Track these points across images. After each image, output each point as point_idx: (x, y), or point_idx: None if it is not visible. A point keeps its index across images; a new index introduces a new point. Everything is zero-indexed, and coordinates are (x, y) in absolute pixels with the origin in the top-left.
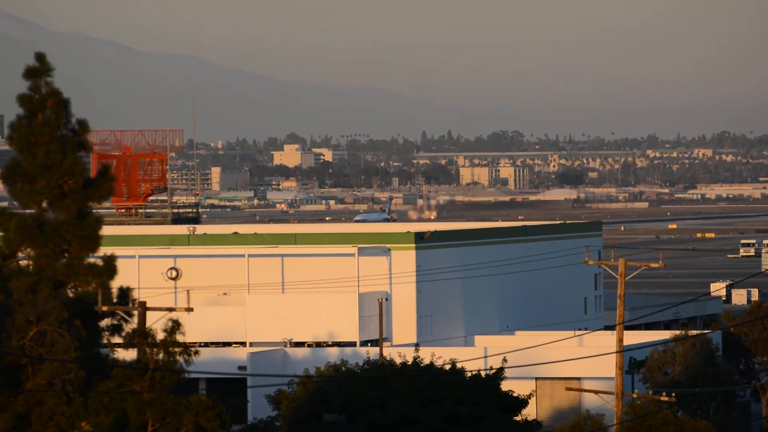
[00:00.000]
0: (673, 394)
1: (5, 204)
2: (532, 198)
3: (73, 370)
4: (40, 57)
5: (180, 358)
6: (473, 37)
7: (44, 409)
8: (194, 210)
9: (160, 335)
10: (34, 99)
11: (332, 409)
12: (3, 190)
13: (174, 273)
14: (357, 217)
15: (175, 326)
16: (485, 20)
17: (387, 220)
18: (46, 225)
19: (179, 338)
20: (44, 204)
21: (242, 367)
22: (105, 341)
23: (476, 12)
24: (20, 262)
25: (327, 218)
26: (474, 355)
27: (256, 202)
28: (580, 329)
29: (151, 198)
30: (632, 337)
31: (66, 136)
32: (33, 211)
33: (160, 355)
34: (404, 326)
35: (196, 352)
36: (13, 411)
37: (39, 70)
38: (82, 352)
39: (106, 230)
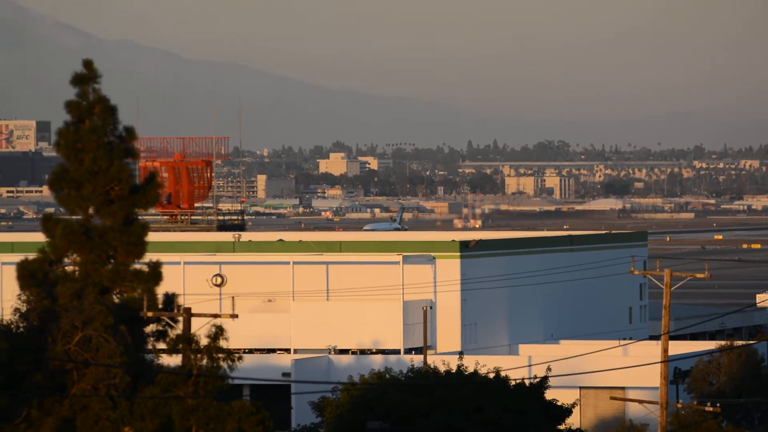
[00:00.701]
0: (718, 405)
1: (52, 210)
2: (578, 208)
3: (118, 375)
4: (88, 64)
5: (223, 364)
6: (520, 46)
7: (89, 414)
8: (240, 217)
9: (204, 341)
10: (82, 105)
11: (376, 417)
12: (50, 196)
13: (219, 280)
14: (366, 227)
15: (219, 332)
16: (532, 29)
17: (397, 230)
18: (93, 231)
19: (223, 344)
20: (91, 210)
21: (286, 374)
22: (150, 347)
23: (523, 22)
24: (66, 267)
25: None
26: (518, 364)
27: (301, 209)
28: (624, 339)
29: (196, 205)
30: (677, 347)
31: (113, 143)
32: (79, 217)
33: (204, 361)
34: (448, 334)
35: (240, 358)
36: (59, 415)
37: (87, 76)
38: (127, 357)
39: (152, 237)
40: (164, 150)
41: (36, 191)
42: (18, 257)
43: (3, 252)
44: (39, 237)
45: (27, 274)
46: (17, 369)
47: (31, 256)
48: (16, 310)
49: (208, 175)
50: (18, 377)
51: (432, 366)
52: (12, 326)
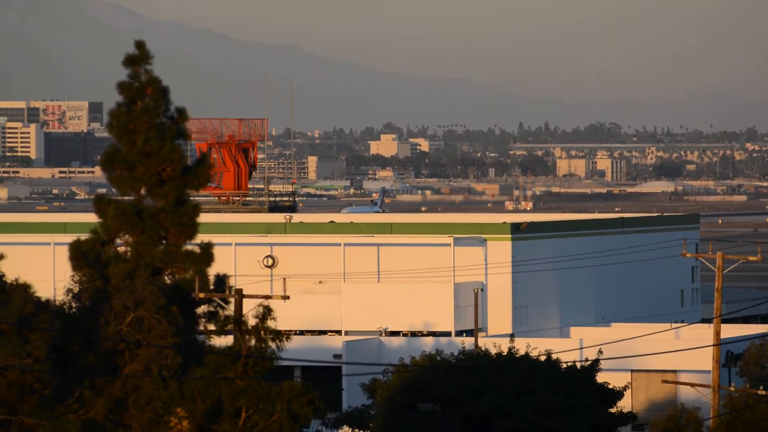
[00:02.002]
0: None
1: (104, 191)
2: (630, 190)
3: (169, 356)
4: (140, 45)
5: (272, 345)
6: (571, 27)
7: (141, 395)
8: (291, 198)
9: (253, 322)
10: (134, 87)
11: (427, 399)
12: (102, 177)
13: (270, 261)
14: (344, 210)
15: (267, 312)
16: (583, 11)
17: (377, 213)
18: (145, 212)
19: (271, 325)
20: (143, 191)
21: (337, 356)
22: (201, 328)
23: (576, 5)
24: (118, 248)
25: (423, 208)
26: (569, 347)
27: (352, 191)
28: (676, 322)
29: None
30: (729, 331)
31: (164, 124)
32: (131, 197)
33: (253, 342)
34: (499, 317)
35: (288, 339)
36: (111, 396)
37: (138, 58)
38: (179, 338)
39: (204, 218)
40: (215, 131)
41: (88, 172)
42: (70, 238)
43: (55, 232)
44: (91, 218)
45: (79, 254)
46: (70, 349)
47: (84, 236)
48: (69, 290)
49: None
50: (70, 357)
51: (483, 348)
52: (65, 307)
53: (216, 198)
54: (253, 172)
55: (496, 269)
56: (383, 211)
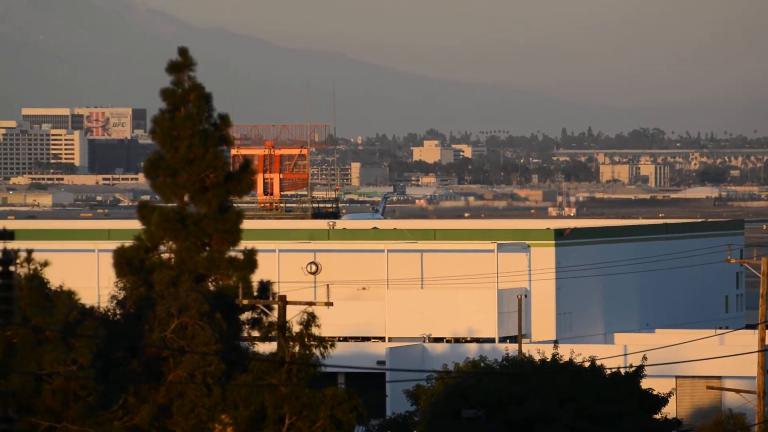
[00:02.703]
0: None
1: (148, 197)
2: (673, 196)
3: (213, 362)
4: (183, 52)
5: (316, 352)
6: (616, 32)
7: (185, 401)
8: (334, 205)
9: (297, 329)
10: (177, 93)
11: (471, 405)
12: (146, 184)
13: (314, 267)
14: (344, 217)
15: (311, 319)
16: (627, 15)
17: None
18: (188, 218)
19: (315, 331)
20: (186, 197)
21: (381, 362)
22: (245, 334)
23: (617, 5)
24: (162, 255)
25: (466, 214)
26: (613, 353)
27: (395, 197)
28: (721, 328)
29: (290, 193)
30: None
31: (208, 131)
32: (175, 204)
33: (297, 349)
34: (543, 323)
35: (332, 345)
36: (155, 402)
37: (182, 64)
38: (223, 344)
39: (247, 224)
40: (258, 138)
41: (132, 179)
42: (114, 244)
43: (99, 239)
44: (135, 224)
45: (123, 261)
46: (114, 356)
47: (128, 243)
48: (113, 297)
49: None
50: (115, 364)
51: (527, 354)
52: (109, 314)
53: (259, 205)
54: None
55: (539, 275)
56: (385, 218)
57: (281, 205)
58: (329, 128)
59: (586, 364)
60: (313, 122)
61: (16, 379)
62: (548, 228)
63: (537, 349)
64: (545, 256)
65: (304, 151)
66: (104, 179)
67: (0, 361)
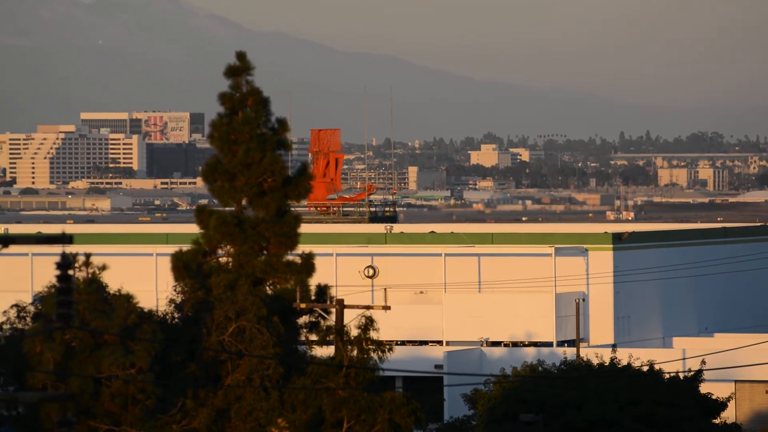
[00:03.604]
0: None
1: (205, 201)
2: (732, 200)
3: (271, 366)
4: (241, 56)
5: (374, 356)
6: (673, 36)
7: (243, 405)
8: (391, 209)
9: (355, 333)
10: (235, 97)
11: (529, 409)
12: (203, 188)
13: (371, 271)
14: None
15: (369, 323)
16: (685, 19)
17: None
18: (246, 222)
19: (373, 335)
20: (244, 201)
21: (439, 366)
22: (302, 338)
23: (678, 9)
24: (220, 258)
25: (524, 218)
26: (672, 357)
27: (452, 201)
28: None
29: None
30: None
31: (265, 135)
32: (233, 208)
33: (355, 353)
34: (601, 327)
35: (390, 349)
36: (213, 406)
37: (240, 68)
38: (280, 348)
39: (304, 228)
40: (316, 142)
41: (190, 183)
42: (172, 248)
43: (157, 243)
44: (193, 228)
45: (181, 265)
46: (172, 360)
47: (185, 247)
48: (171, 301)
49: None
50: (173, 368)
51: (585, 359)
52: (167, 317)
53: (315, 208)
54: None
55: (597, 279)
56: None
57: (339, 209)
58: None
59: (645, 369)
60: (370, 126)
61: (75, 382)
62: (606, 232)
63: (595, 353)
64: (603, 260)
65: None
66: (162, 183)
67: (59, 365)
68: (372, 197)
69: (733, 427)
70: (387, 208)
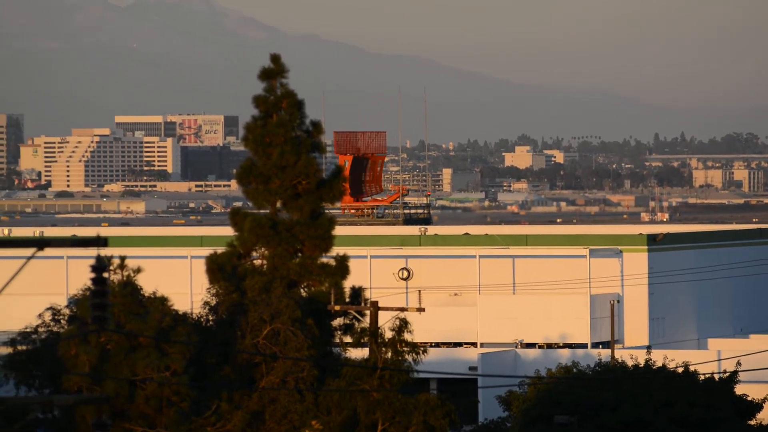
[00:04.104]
0: None
1: (240, 204)
2: (767, 201)
3: (306, 368)
4: (275, 58)
5: (408, 358)
6: (707, 37)
7: (278, 407)
8: (425, 211)
9: (389, 335)
10: (269, 100)
11: (563, 411)
12: (238, 190)
13: (405, 273)
14: None
15: (403, 325)
16: (716, 21)
17: None
18: (280, 225)
19: (408, 337)
20: (278, 204)
21: (473, 368)
22: (337, 340)
23: (715, 15)
24: (254, 261)
25: (558, 220)
26: (707, 359)
27: (487, 203)
28: None
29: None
30: None
31: (300, 137)
32: (267, 211)
33: (389, 355)
34: (636, 328)
35: (425, 351)
36: (248, 408)
37: (274, 71)
38: (315, 350)
39: (338, 230)
40: (349, 144)
41: (224, 185)
42: (207, 251)
43: (192, 246)
44: (227, 231)
45: (216, 267)
46: (207, 362)
47: (220, 249)
48: (206, 303)
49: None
50: (208, 370)
51: (619, 360)
52: (202, 320)
53: (350, 210)
54: (386, 185)
55: (632, 281)
56: None
57: (373, 211)
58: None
59: (680, 370)
60: (404, 128)
61: (110, 385)
62: (641, 233)
63: (630, 355)
64: (638, 261)
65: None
66: (197, 186)
67: (94, 367)
68: (406, 199)
69: None
70: (421, 210)
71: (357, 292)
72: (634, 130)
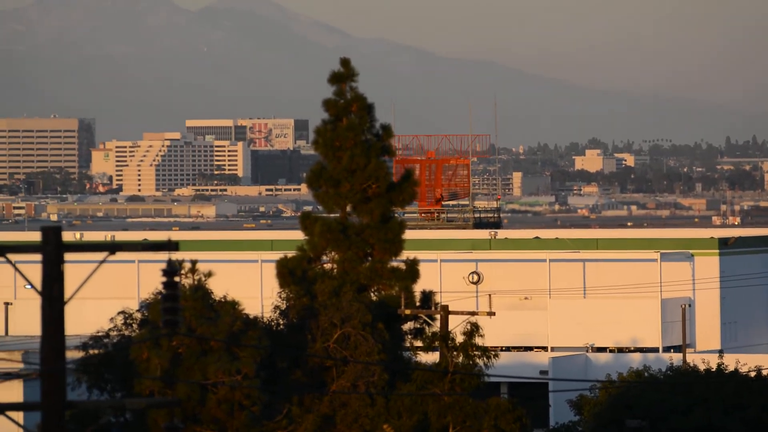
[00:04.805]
0: None
1: (310, 208)
2: None
3: (376, 372)
4: (345, 62)
5: (479, 362)
6: None
7: (348, 411)
8: (496, 215)
9: (460, 339)
10: (339, 104)
11: (635, 415)
12: (308, 194)
13: (475, 277)
14: None
15: (474, 329)
16: None
17: None
18: (350, 229)
19: (478, 341)
20: (348, 208)
21: (544, 372)
22: (408, 344)
23: None
24: (325, 265)
25: (629, 223)
26: None
27: (557, 207)
28: None
29: (451, 203)
30: None
31: (370, 141)
32: (337, 214)
33: (460, 359)
34: (708, 332)
35: (496, 355)
36: (319, 412)
37: (344, 75)
38: (385, 354)
39: (408, 234)
40: (419, 148)
41: (294, 189)
42: (277, 255)
43: (262, 250)
44: (297, 235)
45: (286, 271)
46: (278, 366)
47: (290, 253)
48: (276, 307)
49: (464, 172)
50: (279, 374)
51: (691, 364)
52: (272, 323)
53: (419, 214)
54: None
55: (703, 284)
56: None
57: (443, 215)
58: (490, 138)
59: (752, 374)
60: (474, 132)
61: (182, 388)
62: (712, 237)
63: (702, 359)
64: (709, 265)
65: (466, 161)
66: (267, 190)
67: (166, 371)
68: (476, 203)
69: None
70: (491, 214)
71: (427, 296)
72: (705, 133)
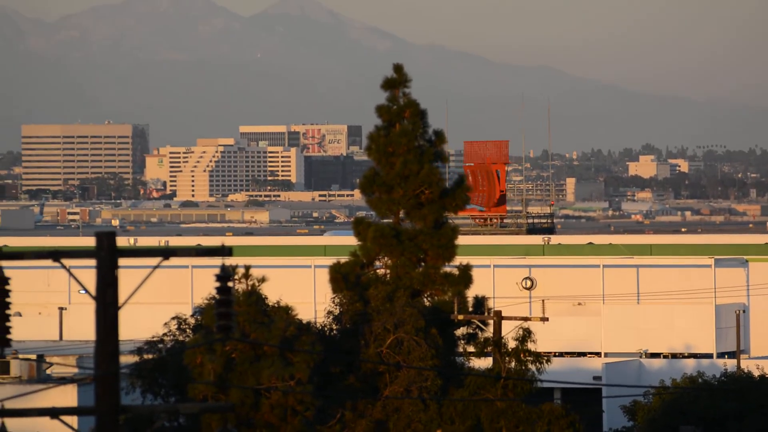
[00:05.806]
0: None
1: (363, 213)
2: None
3: (429, 377)
4: (398, 68)
5: (532, 367)
6: None
7: (401, 416)
8: (549, 220)
9: (513, 344)
10: (392, 109)
11: (689, 421)
12: (361, 200)
13: (529, 283)
14: (327, 233)
15: (527, 335)
16: None
17: None
18: (403, 234)
19: (531, 347)
20: (401, 213)
21: (597, 378)
22: (461, 350)
23: None
24: (378, 270)
25: (683, 229)
26: None
27: (610, 212)
28: None
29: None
30: None
31: (423, 147)
32: (390, 220)
33: (512, 364)
34: (762, 338)
35: (548, 361)
36: (372, 418)
37: (397, 81)
38: (438, 360)
39: (462, 240)
40: (473, 153)
41: (347, 195)
42: (330, 260)
43: (316, 255)
44: (351, 240)
45: (339, 277)
46: (331, 371)
47: (344, 259)
48: (329, 312)
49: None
50: (332, 379)
51: (745, 370)
52: (325, 329)
53: (473, 220)
54: (510, 194)
55: (758, 290)
56: None
57: (496, 220)
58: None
59: None
60: (527, 138)
61: (235, 393)
62: (767, 243)
63: (756, 365)
64: (764, 271)
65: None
66: (320, 196)
67: (219, 376)
68: (529, 209)
69: None
70: (544, 220)
71: (480, 302)
72: (760, 138)
